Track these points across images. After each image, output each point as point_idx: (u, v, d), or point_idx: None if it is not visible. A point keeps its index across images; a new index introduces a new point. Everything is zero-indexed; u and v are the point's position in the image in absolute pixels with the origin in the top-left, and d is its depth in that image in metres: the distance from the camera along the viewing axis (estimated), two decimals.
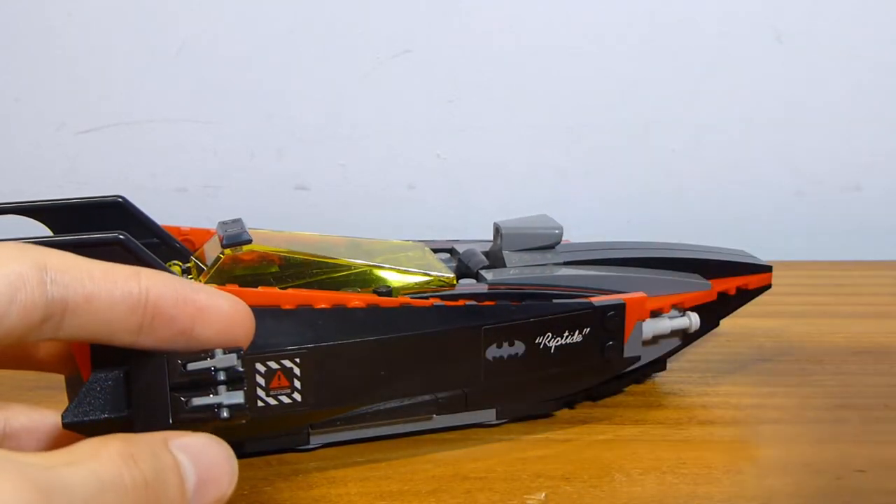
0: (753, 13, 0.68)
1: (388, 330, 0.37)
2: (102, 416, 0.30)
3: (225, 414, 0.29)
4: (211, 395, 0.30)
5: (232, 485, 0.29)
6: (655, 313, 0.43)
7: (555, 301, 0.40)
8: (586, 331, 0.40)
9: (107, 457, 0.26)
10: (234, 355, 0.30)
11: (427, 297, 0.39)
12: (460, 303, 0.39)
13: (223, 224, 0.41)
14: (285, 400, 0.35)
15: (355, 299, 0.37)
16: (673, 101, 0.69)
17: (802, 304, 0.58)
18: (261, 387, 0.35)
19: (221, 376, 0.30)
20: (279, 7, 0.68)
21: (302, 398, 0.36)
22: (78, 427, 0.30)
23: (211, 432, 0.31)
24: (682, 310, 0.45)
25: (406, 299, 0.38)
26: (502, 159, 0.70)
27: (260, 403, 0.35)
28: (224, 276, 0.39)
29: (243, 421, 0.30)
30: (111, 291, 0.28)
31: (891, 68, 0.68)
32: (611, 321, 0.40)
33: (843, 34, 0.68)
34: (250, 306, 0.31)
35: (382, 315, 0.37)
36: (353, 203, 0.71)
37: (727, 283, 0.46)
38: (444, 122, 0.70)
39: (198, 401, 0.29)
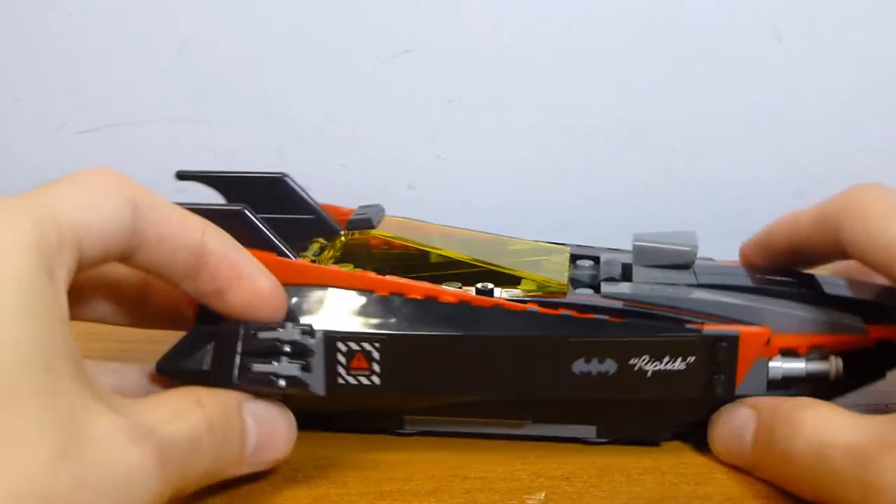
0: (753, 13, 0.68)
1: (470, 328, 0.36)
2: (189, 369, 0.34)
3: (281, 383, 0.34)
4: (272, 364, 0.33)
5: (287, 451, 0.36)
6: (788, 352, 0.38)
7: (659, 322, 0.37)
8: (691, 360, 0.36)
9: (195, 420, 0.31)
10: (299, 329, 0.34)
11: (525, 301, 0.38)
12: (557, 311, 0.37)
13: (362, 207, 0.43)
14: (364, 381, 0.36)
15: (449, 294, 0.37)
16: (673, 101, 0.69)
17: None
18: (341, 365, 0.36)
19: (286, 348, 0.34)
20: (279, 7, 0.68)
21: (380, 382, 0.36)
22: (168, 374, 0.35)
23: (298, 403, 0.36)
24: (825, 353, 0.38)
25: (502, 300, 0.37)
26: (502, 159, 0.70)
27: (340, 381, 0.36)
28: (344, 256, 0.40)
29: (299, 392, 0.35)
30: (180, 236, 0.32)
31: (891, 68, 0.68)
32: (720, 352, 0.37)
33: (844, 34, 0.68)
34: (344, 287, 0.37)
35: (470, 312, 0.37)
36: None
37: (892, 330, 0.39)
38: (444, 122, 0.70)
39: (258, 367, 0.34)
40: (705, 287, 0.39)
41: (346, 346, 0.36)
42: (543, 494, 0.37)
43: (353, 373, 0.36)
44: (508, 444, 0.41)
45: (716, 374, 0.37)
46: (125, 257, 0.31)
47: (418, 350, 0.36)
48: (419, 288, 0.37)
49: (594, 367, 0.36)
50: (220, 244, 0.33)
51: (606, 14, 0.68)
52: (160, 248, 0.32)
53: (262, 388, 0.34)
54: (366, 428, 0.41)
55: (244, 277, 0.34)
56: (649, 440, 0.40)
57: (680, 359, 0.36)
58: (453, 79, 0.69)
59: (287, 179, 0.43)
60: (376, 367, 0.36)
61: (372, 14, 0.68)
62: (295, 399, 0.36)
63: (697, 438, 0.40)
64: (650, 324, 0.37)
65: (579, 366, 0.37)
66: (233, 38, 0.69)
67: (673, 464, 0.40)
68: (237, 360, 0.34)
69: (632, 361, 0.36)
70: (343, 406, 0.39)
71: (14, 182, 0.69)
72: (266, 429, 0.35)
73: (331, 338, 0.35)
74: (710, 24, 0.68)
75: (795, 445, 0.34)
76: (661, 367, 0.36)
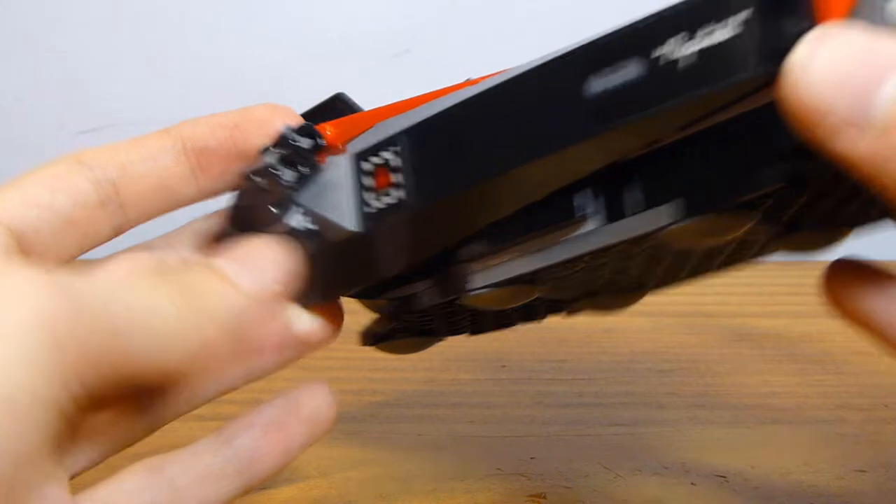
0: None
1: (483, 88, 0.29)
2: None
3: (265, 174, 0.30)
4: (272, 154, 0.30)
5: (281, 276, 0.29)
6: None
7: None
8: (741, 14, 0.21)
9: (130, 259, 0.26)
10: (292, 130, 0.31)
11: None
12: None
13: None
14: (392, 201, 0.30)
15: (467, 83, 0.31)
16: None
17: (802, 303, 0.58)
18: (369, 189, 0.31)
19: (284, 148, 0.30)
20: (279, 8, 0.68)
21: (406, 194, 0.30)
22: None
23: (344, 261, 0.32)
24: None
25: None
26: None
27: (370, 209, 0.30)
28: None
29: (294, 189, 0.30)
30: (145, 150, 0.30)
31: None
32: None
33: None
34: (381, 121, 0.31)
35: (485, 83, 0.29)
36: None
37: None
38: None
39: (266, 156, 0.30)
40: None
41: (369, 161, 0.31)
42: (543, 494, 0.37)
43: (381, 194, 0.30)
44: (509, 444, 0.41)
45: (788, 25, 0.21)
46: (122, 210, 0.29)
47: (434, 137, 0.30)
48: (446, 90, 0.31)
49: (610, 80, 0.25)
50: (195, 124, 0.31)
51: (607, 15, 0.68)
52: (137, 175, 0.29)
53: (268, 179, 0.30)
54: (429, 302, 0.34)
55: (239, 123, 0.31)
56: (753, 195, 0.25)
57: (722, 23, 0.22)
58: (453, 79, 0.69)
59: (343, 96, 0.41)
60: (400, 179, 0.30)
61: (372, 14, 0.68)
62: (342, 256, 0.32)
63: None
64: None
65: (593, 85, 0.26)
66: (233, 38, 0.69)
67: (673, 464, 0.40)
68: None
69: (655, 53, 0.24)
70: (389, 256, 0.32)
71: None
72: (252, 257, 0.29)
73: (355, 159, 0.31)
74: None
75: None
76: (699, 45, 0.23)
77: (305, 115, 0.36)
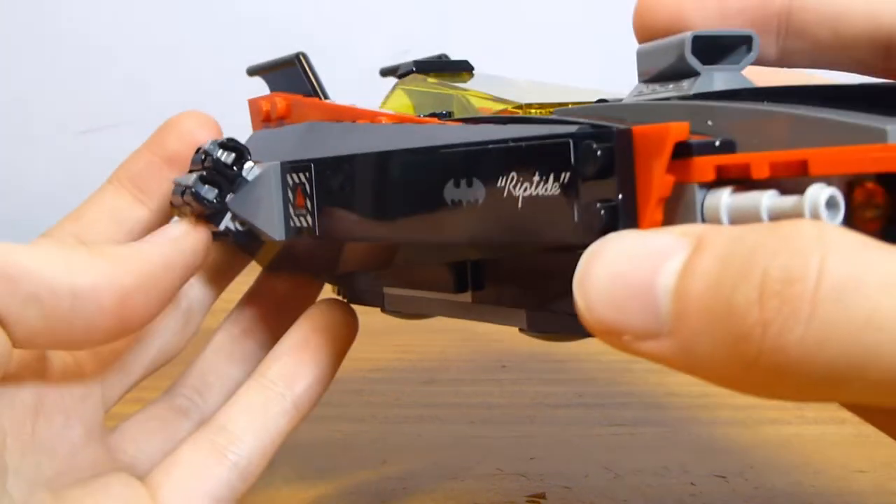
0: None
1: (381, 146, 0.29)
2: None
3: (187, 195, 0.31)
4: (189, 176, 0.32)
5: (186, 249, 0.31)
6: (744, 184, 0.21)
7: (539, 126, 0.25)
8: (565, 177, 0.22)
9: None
10: (215, 144, 0.32)
11: (468, 119, 0.30)
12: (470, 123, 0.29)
13: None
14: (304, 224, 0.31)
15: (392, 117, 0.32)
16: None
17: None
18: (291, 203, 0.32)
19: (207, 162, 0.31)
20: (278, 8, 0.68)
21: (312, 222, 0.31)
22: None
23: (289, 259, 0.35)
24: (804, 180, 0.20)
25: (435, 120, 0.30)
26: None
27: (292, 223, 0.32)
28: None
29: (206, 210, 0.32)
30: (94, 200, 0.33)
31: None
32: (596, 161, 0.21)
33: None
34: (313, 121, 0.33)
35: (387, 131, 0.30)
36: None
37: None
38: None
39: (179, 178, 0.32)
40: (701, 97, 0.25)
41: (291, 178, 0.32)
42: (544, 494, 0.37)
43: (298, 212, 0.32)
44: (509, 444, 0.41)
45: (599, 204, 0.22)
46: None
47: (325, 176, 0.31)
48: (368, 115, 0.33)
49: (464, 192, 0.26)
50: None
51: (605, 15, 0.68)
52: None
53: (176, 201, 0.32)
54: (353, 297, 0.36)
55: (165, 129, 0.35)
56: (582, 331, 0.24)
57: (552, 177, 0.23)
58: None
59: (304, 56, 0.40)
60: (309, 205, 0.31)
61: (371, 15, 0.68)
62: (274, 250, 0.35)
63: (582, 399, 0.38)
64: (524, 128, 0.25)
65: (451, 191, 0.26)
66: (232, 38, 0.69)
67: (673, 464, 0.40)
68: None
69: (500, 183, 0.25)
70: (317, 260, 0.36)
71: (15, 182, 0.69)
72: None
73: (282, 171, 0.32)
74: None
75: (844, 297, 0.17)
76: (532, 191, 0.24)
77: (265, 68, 0.38)
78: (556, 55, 0.68)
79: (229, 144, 0.32)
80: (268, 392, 0.30)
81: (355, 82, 0.63)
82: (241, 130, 0.41)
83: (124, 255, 0.28)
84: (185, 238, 0.30)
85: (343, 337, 0.32)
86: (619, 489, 0.38)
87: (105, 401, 0.30)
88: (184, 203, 0.32)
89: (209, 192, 0.31)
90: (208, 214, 0.32)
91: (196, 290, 0.34)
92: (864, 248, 0.16)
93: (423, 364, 0.53)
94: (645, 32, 0.26)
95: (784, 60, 0.26)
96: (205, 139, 0.33)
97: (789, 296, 0.16)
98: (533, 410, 0.46)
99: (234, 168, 0.32)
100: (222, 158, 0.32)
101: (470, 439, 0.42)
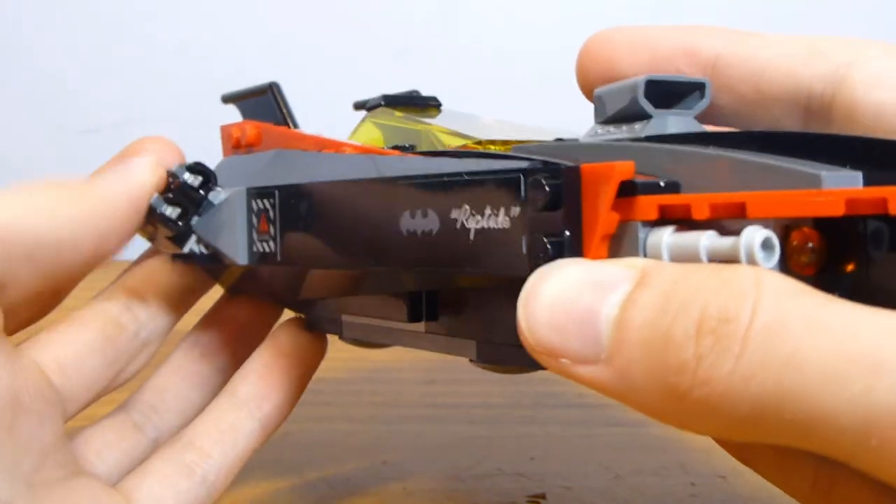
0: (749, 12, 0.68)
1: (343, 175, 0.30)
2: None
3: (153, 216, 0.32)
4: (159, 198, 0.32)
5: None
6: (686, 224, 0.21)
7: (492, 161, 0.26)
8: (515, 212, 0.23)
9: None
10: (182, 167, 0.33)
11: (427, 153, 0.31)
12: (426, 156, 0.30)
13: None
14: (268, 250, 0.32)
15: (357, 148, 0.32)
16: None
17: None
18: (255, 228, 0.33)
19: (174, 184, 0.32)
20: (278, 9, 0.68)
21: (274, 248, 0.32)
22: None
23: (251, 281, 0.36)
24: (743, 222, 0.20)
25: (397, 152, 0.31)
26: None
27: (255, 248, 0.33)
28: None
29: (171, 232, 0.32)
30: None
31: None
32: (545, 197, 0.22)
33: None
34: (281, 149, 0.34)
35: (349, 161, 0.31)
36: None
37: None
38: None
39: (153, 200, 0.32)
40: (654, 140, 0.25)
41: (256, 203, 0.33)
42: (544, 494, 0.37)
43: (261, 238, 0.32)
44: (509, 444, 0.41)
45: (546, 238, 0.22)
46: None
47: (288, 203, 0.32)
48: (332, 145, 0.34)
49: (419, 223, 0.27)
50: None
51: (606, 15, 0.68)
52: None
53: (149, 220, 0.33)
54: (313, 323, 0.36)
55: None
56: (531, 363, 0.24)
57: (503, 210, 0.24)
58: (453, 79, 0.69)
59: (276, 86, 0.41)
60: (273, 231, 0.32)
61: (371, 15, 0.68)
62: (251, 279, 0.36)
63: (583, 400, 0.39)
64: (478, 162, 0.26)
65: (406, 222, 0.27)
66: (232, 38, 0.69)
67: (674, 464, 0.40)
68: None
69: (453, 215, 0.26)
70: (278, 285, 0.37)
71: (15, 182, 0.69)
72: None
73: (248, 196, 0.33)
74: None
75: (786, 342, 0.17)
76: (484, 223, 0.25)
77: (238, 96, 0.38)
78: (555, 57, 0.68)
79: (196, 168, 0.33)
80: (237, 412, 0.31)
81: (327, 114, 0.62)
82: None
83: (98, 197, 0.29)
84: (144, 174, 0.31)
85: (309, 359, 0.33)
86: (619, 489, 0.38)
87: (64, 413, 0.30)
88: (149, 224, 0.32)
89: (173, 213, 0.32)
90: (173, 236, 0.32)
91: (156, 319, 0.34)
92: (796, 295, 0.17)
93: (423, 364, 0.53)
94: (583, 79, 0.28)
95: (708, 114, 0.27)
96: (168, 164, 0.33)
97: (723, 334, 0.17)
98: (533, 410, 0.46)
99: (200, 191, 0.33)
100: (188, 181, 0.33)
101: (470, 439, 0.42)
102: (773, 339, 0.17)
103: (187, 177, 0.33)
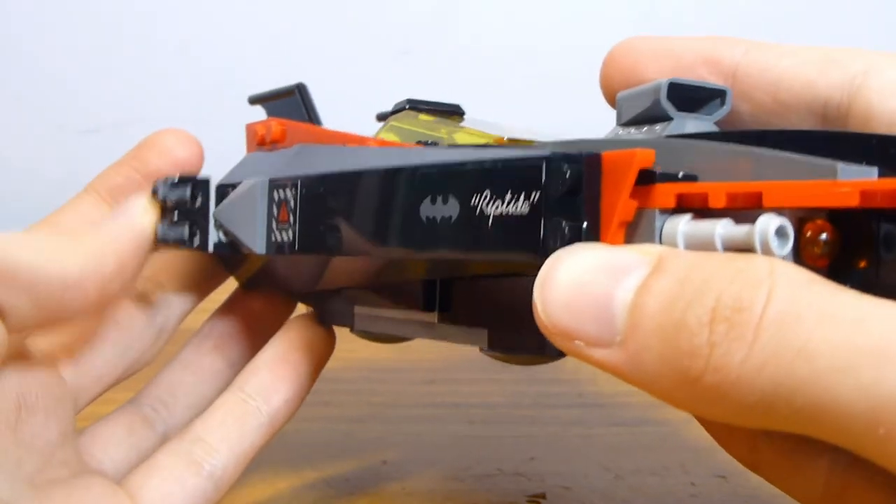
0: (748, 12, 0.68)
1: (364, 165, 0.30)
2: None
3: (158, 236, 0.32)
4: (163, 228, 0.33)
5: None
6: (703, 213, 0.22)
7: (513, 150, 0.27)
8: (534, 197, 0.24)
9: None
10: (167, 185, 0.33)
11: (451, 146, 0.31)
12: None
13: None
14: (286, 239, 0.32)
15: (380, 142, 0.33)
16: None
17: None
18: (274, 218, 0.33)
19: (168, 204, 0.33)
20: (278, 9, 0.68)
21: (293, 237, 0.32)
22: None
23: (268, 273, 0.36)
24: (759, 212, 0.20)
25: (420, 145, 0.31)
26: None
27: (274, 237, 0.33)
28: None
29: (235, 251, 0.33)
30: (71, 208, 0.34)
31: None
32: (564, 182, 0.23)
33: (844, 32, 0.68)
34: (304, 143, 0.34)
35: (372, 153, 0.31)
36: None
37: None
38: None
39: (159, 233, 0.32)
40: (673, 138, 0.26)
41: (277, 193, 0.33)
42: (544, 494, 0.37)
43: (281, 228, 0.33)
44: (509, 444, 0.41)
45: (565, 223, 0.23)
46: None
47: (309, 192, 0.32)
48: (357, 139, 0.34)
49: (439, 209, 0.27)
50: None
51: (605, 15, 0.68)
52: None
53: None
54: (324, 317, 0.36)
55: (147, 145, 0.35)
56: (541, 351, 0.28)
57: (523, 196, 0.24)
58: (452, 80, 0.69)
59: (303, 87, 0.41)
60: (292, 220, 0.32)
61: (370, 16, 0.68)
62: (256, 264, 0.36)
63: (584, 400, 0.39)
64: (500, 150, 0.27)
65: (426, 208, 0.27)
66: (233, 38, 0.69)
67: (675, 464, 0.40)
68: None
69: (473, 201, 0.26)
70: (294, 277, 0.37)
71: (15, 182, 0.69)
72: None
73: (269, 186, 0.33)
74: (708, 18, 0.68)
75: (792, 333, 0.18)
76: (503, 208, 0.25)
77: (265, 97, 0.39)
78: (555, 57, 0.68)
79: (180, 181, 0.33)
80: (245, 406, 0.31)
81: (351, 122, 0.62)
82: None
83: (102, 242, 0.29)
84: (144, 216, 0.31)
85: (320, 353, 0.33)
86: (619, 489, 0.38)
87: (76, 405, 0.31)
88: (166, 246, 0.33)
89: (183, 233, 0.33)
90: (194, 226, 0.33)
91: (172, 305, 0.34)
92: (809, 285, 0.18)
93: (423, 364, 0.53)
94: (607, 86, 0.29)
95: (727, 121, 0.27)
96: (185, 157, 0.34)
97: (737, 322, 0.18)
98: (533, 410, 0.46)
99: (196, 200, 0.33)
100: (180, 197, 0.33)
101: (470, 439, 0.42)
102: (785, 329, 0.17)
103: (176, 194, 0.33)
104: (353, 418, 0.45)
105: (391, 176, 0.29)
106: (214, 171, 0.44)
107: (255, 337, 0.35)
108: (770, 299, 0.18)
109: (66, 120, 0.70)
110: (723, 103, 0.26)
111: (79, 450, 0.30)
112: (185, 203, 0.33)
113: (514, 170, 0.25)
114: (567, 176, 0.23)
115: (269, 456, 0.33)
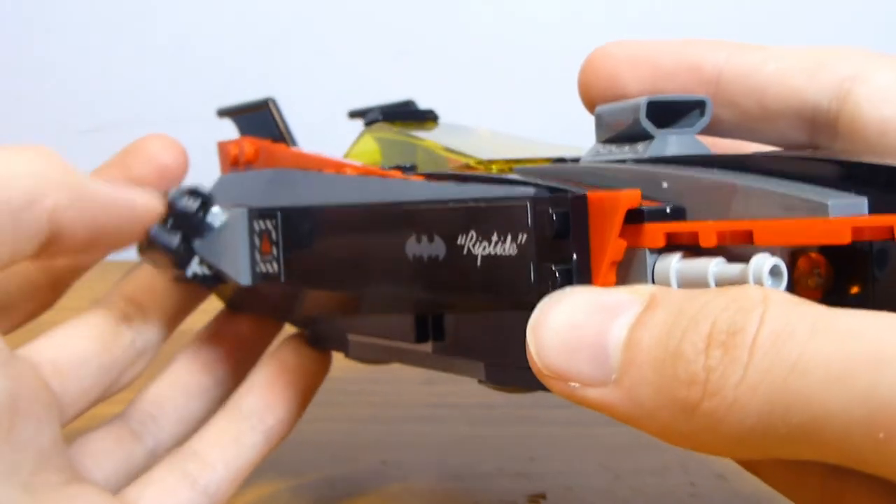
0: (747, 12, 0.68)
1: (346, 197, 0.30)
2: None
3: (155, 243, 0.32)
4: (158, 229, 0.32)
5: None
6: (693, 249, 0.22)
7: (497, 186, 0.26)
8: (522, 238, 0.24)
9: None
10: (179, 192, 0.33)
11: (430, 175, 0.30)
12: (432, 180, 0.30)
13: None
14: (271, 270, 0.32)
15: (358, 169, 0.32)
16: None
17: None
18: (257, 249, 0.33)
19: (172, 209, 0.32)
20: (279, 10, 0.68)
21: (278, 269, 0.31)
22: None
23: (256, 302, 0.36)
24: (748, 250, 0.21)
25: (398, 173, 0.30)
26: None
27: (259, 270, 0.33)
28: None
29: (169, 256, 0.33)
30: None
31: None
32: (551, 225, 0.23)
33: (843, 31, 0.68)
34: (280, 168, 0.34)
35: (351, 183, 0.31)
36: None
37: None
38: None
39: (152, 231, 0.32)
40: (657, 162, 0.25)
41: (257, 224, 0.32)
42: (544, 494, 0.37)
43: (264, 259, 0.32)
44: (509, 444, 0.41)
45: (554, 266, 0.23)
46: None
47: (292, 225, 0.31)
48: (333, 164, 0.33)
49: (425, 248, 0.27)
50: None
51: (605, 14, 0.68)
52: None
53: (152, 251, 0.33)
54: (318, 339, 0.36)
55: (132, 151, 0.35)
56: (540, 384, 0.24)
57: (510, 237, 0.24)
58: (452, 80, 0.69)
59: (273, 102, 0.41)
60: (276, 252, 0.32)
61: (370, 16, 0.68)
62: (253, 297, 0.35)
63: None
64: (476, 188, 0.26)
65: (412, 247, 0.27)
66: (233, 38, 0.69)
67: (675, 464, 0.40)
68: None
69: (459, 241, 0.26)
70: (281, 303, 0.36)
71: None
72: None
73: (249, 217, 0.33)
74: (706, 18, 0.68)
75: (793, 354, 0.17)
76: (491, 249, 0.25)
77: (235, 111, 0.38)
78: (555, 57, 0.68)
79: (193, 192, 0.33)
80: (241, 424, 0.32)
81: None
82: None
83: (102, 193, 0.31)
84: (153, 199, 0.32)
85: (314, 373, 0.34)
86: (619, 489, 0.38)
87: (62, 418, 0.30)
88: (151, 249, 0.33)
89: (173, 241, 0.32)
90: (176, 259, 0.33)
91: (153, 328, 0.34)
92: (801, 304, 0.18)
93: None
94: (586, 94, 0.28)
95: (712, 129, 0.27)
96: (169, 162, 0.34)
97: (732, 345, 0.18)
98: (533, 410, 0.46)
99: (199, 214, 0.33)
100: (187, 207, 0.33)
101: (470, 439, 0.42)
102: (779, 346, 0.17)
103: (185, 202, 0.33)
104: (353, 418, 0.45)
105: (375, 212, 0.29)
106: (214, 172, 0.44)
107: (244, 355, 0.35)
108: (764, 321, 0.18)
109: (66, 120, 0.70)
110: (703, 114, 0.26)
111: (70, 459, 0.30)
112: (188, 215, 0.33)
113: (499, 210, 0.24)
114: (554, 219, 0.23)
115: (269, 456, 0.33)
